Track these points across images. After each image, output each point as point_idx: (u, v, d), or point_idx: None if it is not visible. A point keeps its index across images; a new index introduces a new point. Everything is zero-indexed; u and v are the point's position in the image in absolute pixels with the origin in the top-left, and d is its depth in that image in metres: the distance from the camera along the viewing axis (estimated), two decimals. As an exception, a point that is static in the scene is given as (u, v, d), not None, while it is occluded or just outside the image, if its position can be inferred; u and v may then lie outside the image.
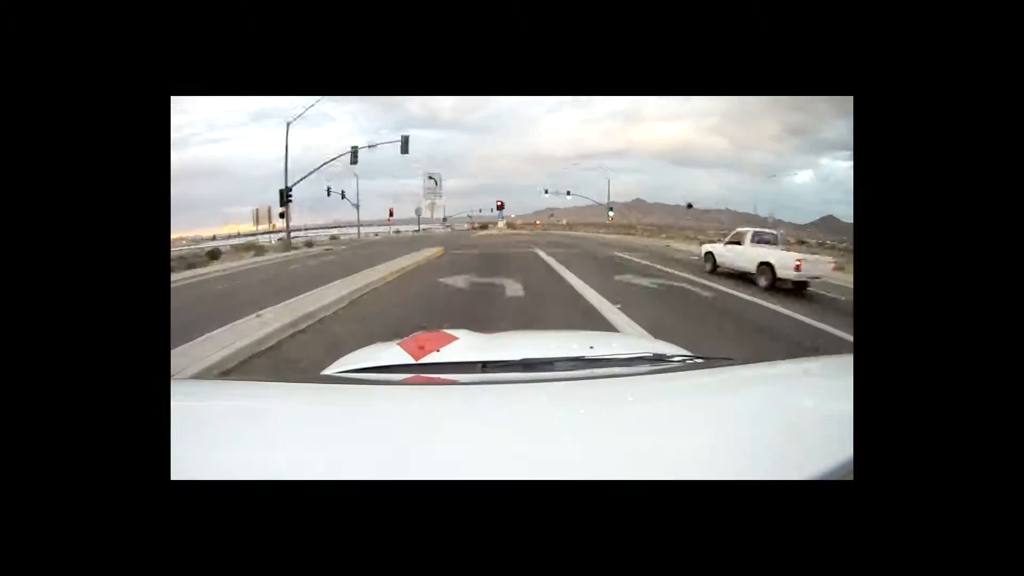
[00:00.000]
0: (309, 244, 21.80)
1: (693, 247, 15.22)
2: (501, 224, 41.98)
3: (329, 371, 1.13)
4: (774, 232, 9.10)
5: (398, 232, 38.17)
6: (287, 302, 5.63)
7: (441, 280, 8.18)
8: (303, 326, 4.87)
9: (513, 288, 7.22)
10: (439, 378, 0.96)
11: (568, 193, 35.67)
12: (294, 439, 0.53)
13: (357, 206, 29.04)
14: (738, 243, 8.87)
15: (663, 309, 5.99)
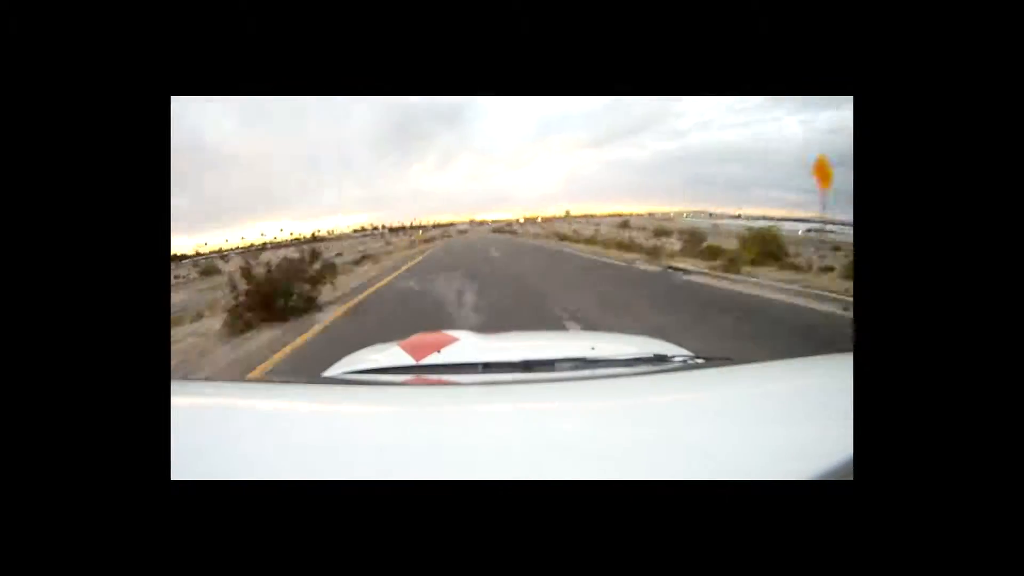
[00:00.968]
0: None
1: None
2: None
3: (330, 372, 1.13)
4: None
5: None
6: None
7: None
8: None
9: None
10: (440, 379, 0.96)
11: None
12: (294, 440, 0.53)
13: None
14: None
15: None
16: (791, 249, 11.73)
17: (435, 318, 5.95)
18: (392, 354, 1.13)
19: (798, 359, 0.89)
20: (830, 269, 9.31)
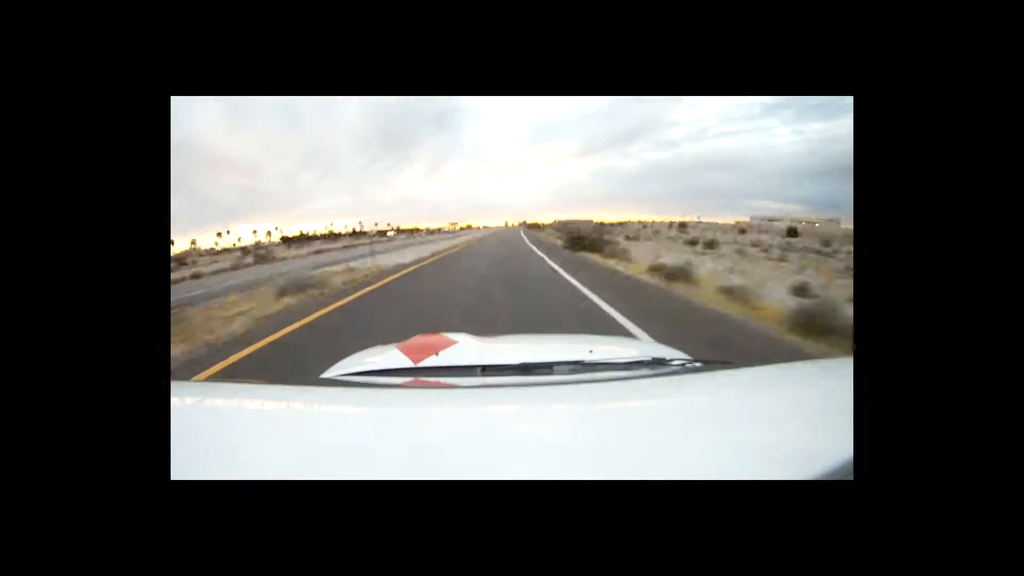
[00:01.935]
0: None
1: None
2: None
3: (328, 374, 1.12)
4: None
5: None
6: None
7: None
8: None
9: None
10: (438, 382, 0.96)
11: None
12: (293, 441, 0.53)
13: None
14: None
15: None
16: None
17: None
18: (390, 356, 1.13)
19: (797, 363, 0.89)
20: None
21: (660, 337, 3.45)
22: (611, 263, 11.58)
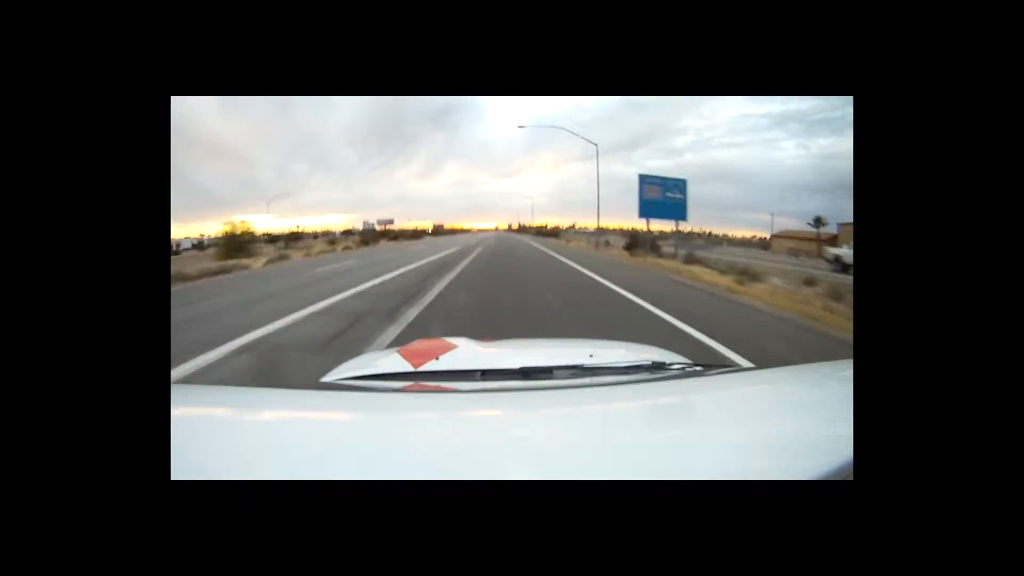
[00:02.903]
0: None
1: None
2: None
3: (328, 378, 1.12)
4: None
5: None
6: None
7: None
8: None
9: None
10: (438, 386, 0.96)
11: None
12: (293, 443, 0.53)
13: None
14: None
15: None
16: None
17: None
18: (390, 361, 1.13)
19: (797, 366, 0.89)
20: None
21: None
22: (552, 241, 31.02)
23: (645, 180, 17.09)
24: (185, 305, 6.61)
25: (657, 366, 1.04)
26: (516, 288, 7.95)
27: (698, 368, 1.05)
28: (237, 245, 21.62)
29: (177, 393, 0.55)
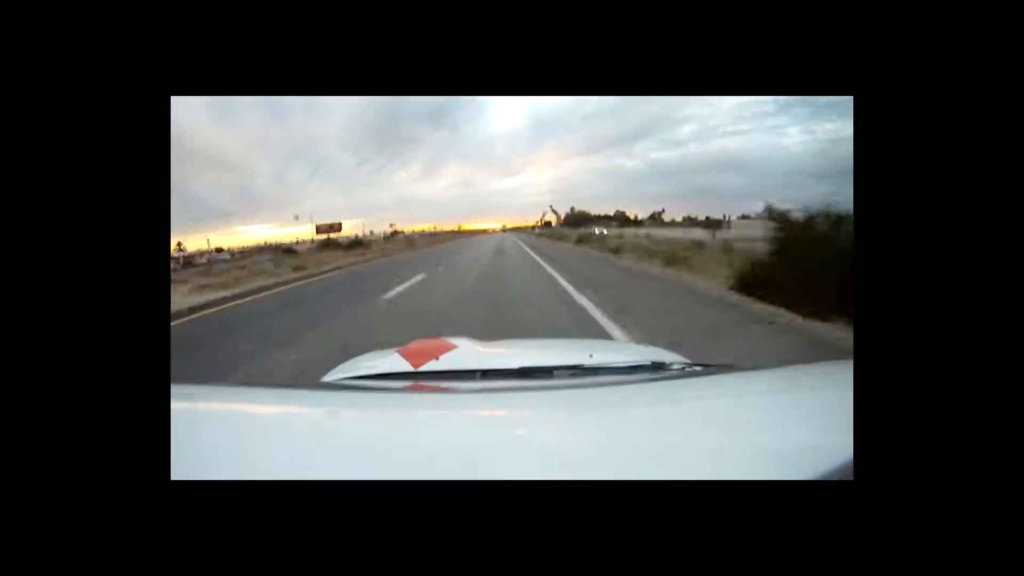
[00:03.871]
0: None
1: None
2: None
3: (327, 378, 1.12)
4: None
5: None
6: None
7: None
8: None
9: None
10: (438, 386, 0.96)
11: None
12: (293, 443, 0.53)
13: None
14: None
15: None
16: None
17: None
18: (390, 360, 1.13)
19: (797, 365, 0.89)
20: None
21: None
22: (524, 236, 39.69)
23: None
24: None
25: (657, 366, 1.04)
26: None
27: (698, 368, 1.05)
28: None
29: (177, 393, 0.55)
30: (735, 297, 6.01)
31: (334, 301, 7.40)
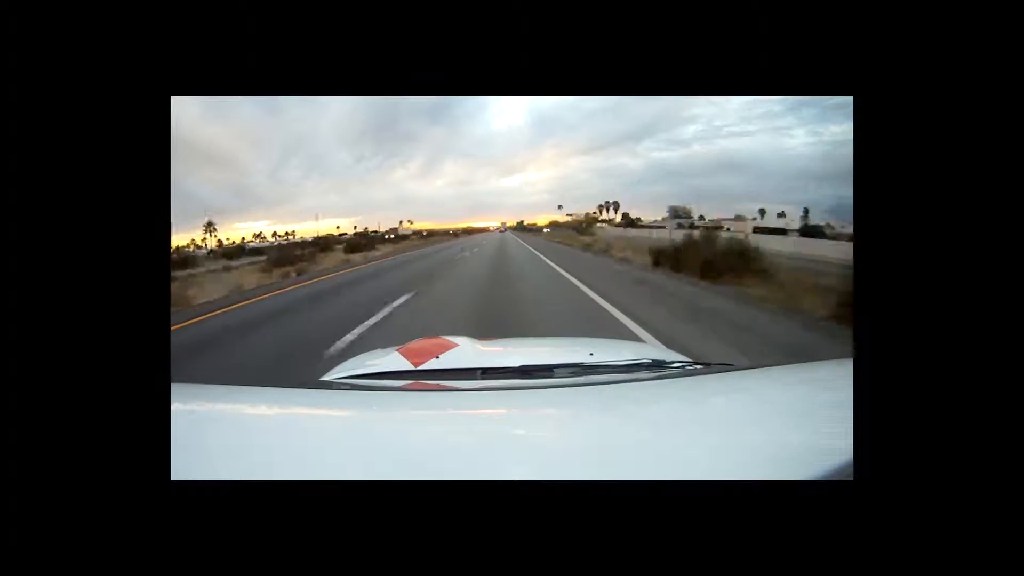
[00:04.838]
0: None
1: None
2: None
3: (327, 377, 1.12)
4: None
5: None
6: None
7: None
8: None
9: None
10: (438, 384, 0.96)
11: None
12: (293, 442, 0.53)
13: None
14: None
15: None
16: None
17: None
18: (391, 359, 1.13)
19: (797, 364, 0.89)
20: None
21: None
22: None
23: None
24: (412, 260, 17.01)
25: (657, 364, 1.04)
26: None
27: (698, 367, 1.06)
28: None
29: (177, 393, 0.55)
30: (643, 268, 10.47)
31: (434, 257, 17.19)
